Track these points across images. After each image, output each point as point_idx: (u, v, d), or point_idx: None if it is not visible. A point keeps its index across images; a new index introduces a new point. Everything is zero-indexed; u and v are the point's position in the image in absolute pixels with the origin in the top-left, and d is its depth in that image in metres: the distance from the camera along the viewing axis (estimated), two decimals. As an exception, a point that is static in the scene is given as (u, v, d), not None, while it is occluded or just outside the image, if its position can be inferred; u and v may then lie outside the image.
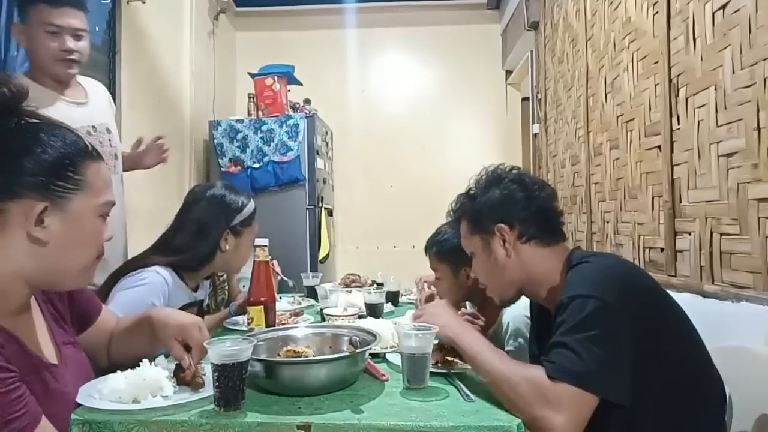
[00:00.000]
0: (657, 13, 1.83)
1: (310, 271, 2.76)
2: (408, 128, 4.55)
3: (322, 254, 3.71)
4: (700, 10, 1.56)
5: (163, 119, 3.28)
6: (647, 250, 1.94)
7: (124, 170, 2.06)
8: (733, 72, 1.39)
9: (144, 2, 2.87)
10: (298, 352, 1.10)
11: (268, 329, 1.30)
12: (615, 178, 2.25)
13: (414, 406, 0.94)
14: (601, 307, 0.94)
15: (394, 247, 4.52)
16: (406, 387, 1.03)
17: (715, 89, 1.48)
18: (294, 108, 3.84)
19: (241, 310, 1.74)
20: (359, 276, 2.33)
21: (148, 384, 0.95)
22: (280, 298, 1.95)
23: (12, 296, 0.87)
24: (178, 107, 3.51)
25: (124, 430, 0.87)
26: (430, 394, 1.00)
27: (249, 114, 3.79)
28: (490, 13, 4.54)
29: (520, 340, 1.52)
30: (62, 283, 0.93)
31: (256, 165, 3.62)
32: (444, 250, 1.69)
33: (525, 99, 4.39)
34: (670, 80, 1.74)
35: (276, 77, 3.71)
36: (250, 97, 3.81)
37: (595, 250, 2.43)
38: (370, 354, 1.13)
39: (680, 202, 1.69)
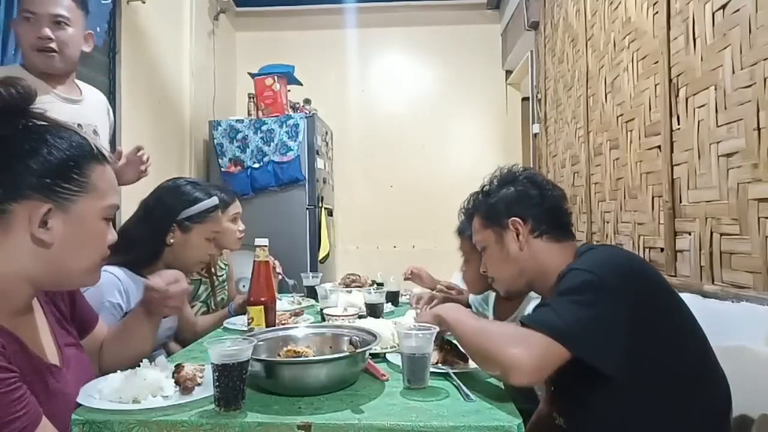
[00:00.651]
0: (657, 13, 1.83)
1: (310, 271, 2.76)
2: (408, 128, 4.56)
3: (322, 254, 3.72)
4: (700, 10, 1.56)
5: (163, 119, 3.29)
6: (647, 250, 1.94)
7: None
8: (733, 72, 1.39)
9: (144, 2, 2.88)
10: (298, 352, 1.10)
11: (268, 329, 1.30)
12: (615, 178, 2.25)
13: (414, 406, 0.94)
14: (595, 280, 0.97)
15: (394, 247, 4.52)
16: (406, 387, 1.03)
17: (715, 89, 1.48)
18: (294, 108, 3.84)
19: (241, 310, 1.74)
20: (359, 276, 2.33)
21: (148, 384, 0.95)
22: (281, 298, 1.95)
23: (14, 297, 0.87)
24: (178, 107, 3.51)
25: (124, 430, 0.87)
26: (430, 394, 1.00)
27: (249, 114, 3.79)
28: (490, 13, 4.54)
29: None
30: (65, 284, 0.94)
31: (256, 165, 3.62)
32: None
33: (525, 99, 4.39)
34: (670, 80, 1.74)
35: (276, 77, 3.71)
36: (250, 97, 3.82)
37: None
38: (370, 354, 1.13)
39: (680, 202, 1.69)
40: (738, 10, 1.37)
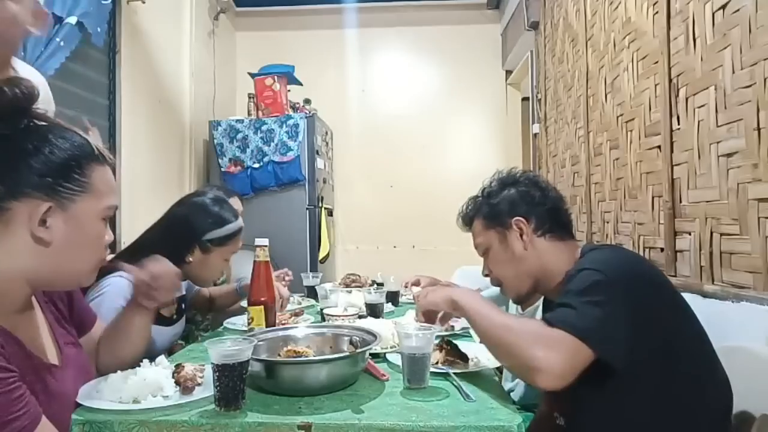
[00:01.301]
0: (657, 13, 1.83)
1: (310, 271, 2.76)
2: (408, 128, 4.56)
3: (322, 254, 3.72)
4: (700, 10, 1.56)
5: (163, 119, 3.29)
6: (647, 250, 1.93)
7: None
8: (733, 72, 1.39)
9: (144, 2, 2.88)
10: (299, 352, 1.10)
11: (268, 329, 1.30)
12: (615, 178, 2.25)
13: (414, 406, 0.94)
14: (605, 279, 0.97)
15: (394, 247, 4.52)
16: (406, 387, 1.03)
17: (715, 89, 1.48)
18: (294, 108, 3.84)
19: (245, 291, 1.73)
20: (359, 276, 2.33)
21: (148, 384, 0.95)
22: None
23: (13, 296, 0.87)
24: (177, 107, 3.51)
25: (124, 430, 0.87)
26: (430, 394, 1.00)
27: (249, 114, 3.79)
28: (490, 13, 4.54)
29: None
30: (63, 283, 0.94)
31: (256, 165, 3.62)
32: None
33: (525, 99, 4.39)
34: (670, 80, 1.74)
35: (276, 77, 3.71)
36: (250, 97, 3.82)
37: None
38: (370, 354, 1.13)
39: (680, 202, 1.69)
40: (738, 10, 1.37)
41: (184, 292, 1.72)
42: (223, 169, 3.65)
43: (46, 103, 1.82)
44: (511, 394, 1.63)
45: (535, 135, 3.66)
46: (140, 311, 1.16)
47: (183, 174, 3.56)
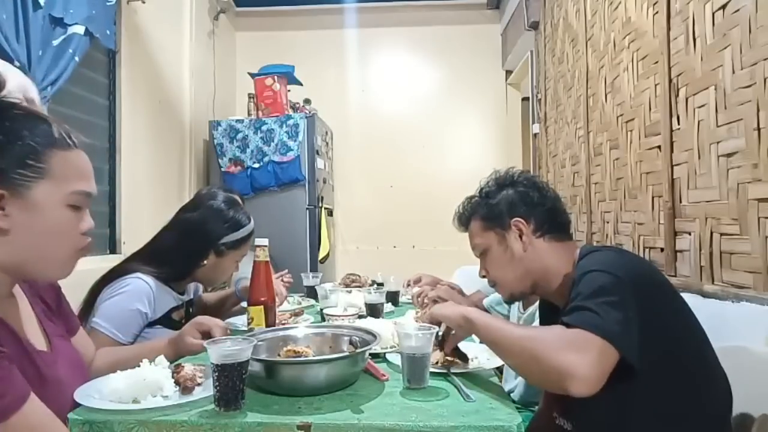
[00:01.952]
0: (657, 13, 1.83)
1: (310, 271, 2.76)
2: (408, 128, 4.56)
3: (322, 254, 3.72)
4: (700, 10, 1.56)
5: (163, 119, 3.29)
6: (647, 250, 1.93)
7: None
8: (733, 72, 1.39)
9: (144, 2, 2.88)
10: (298, 352, 1.10)
11: (268, 329, 1.30)
12: (615, 178, 2.25)
13: (414, 406, 0.93)
14: (614, 280, 0.96)
15: (394, 247, 4.52)
16: (406, 387, 1.03)
17: (715, 89, 1.48)
18: (294, 108, 3.84)
19: (244, 295, 1.74)
20: (359, 276, 2.33)
21: (148, 384, 0.95)
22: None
23: None
24: (178, 107, 3.51)
25: (124, 430, 0.87)
26: (430, 394, 1.00)
27: (249, 114, 3.79)
28: (490, 13, 4.54)
29: None
30: (36, 273, 0.91)
31: (256, 165, 3.62)
32: None
33: (525, 99, 4.39)
34: (670, 80, 1.74)
35: (276, 77, 3.71)
36: (250, 97, 3.81)
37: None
38: (370, 354, 1.13)
39: (680, 202, 1.69)
40: (738, 10, 1.37)
41: (192, 297, 1.73)
42: (223, 169, 3.65)
43: (22, 90, 1.81)
44: (512, 395, 1.63)
45: (535, 135, 3.66)
46: (173, 352, 1.23)
47: (183, 174, 3.56)
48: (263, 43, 4.59)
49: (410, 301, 2.13)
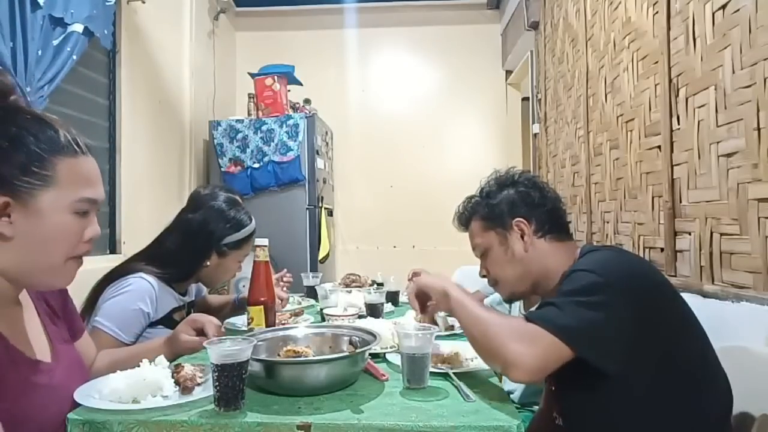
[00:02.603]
0: (657, 13, 1.83)
1: (310, 271, 2.76)
2: (408, 128, 4.56)
3: (322, 254, 3.72)
4: (700, 10, 1.56)
5: (163, 119, 3.29)
6: (647, 250, 1.93)
7: None
8: (733, 72, 1.39)
9: (144, 2, 2.88)
10: (298, 352, 1.10)
11: (268, 329, 1.30)
12: (615, 178, 2.25)
13: (414, 406, 0.93)
14: (600, 281, 0.96)
15: (394, 247, 4.52)
16: (406, 387, 1.03)
17: (715, 89, 1.48)
18: (294, 108, 3.84)
19: (243, 303, 1.74)
20: (359, 276, 2.33)
21: (148, 384, 0.95)
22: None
23: None
24: (178, 107, 3.51)
25: (124, 430, 0.87)
26: (430, 394, 1.00)
27: (249, 114, 3.79)
28: (490, 13, 4.54)
29: None
30: (34, 281, 0.90)
31: (256, 165, 3.62)
32: None
33: (525, 99, 4.39)
34: (670, 80, 1.74)
35: (276, 77, 3.71)
36: (250, 97, 3.81)
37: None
38: (370, 354, 1.13)
39: (680, 202, 1.69)
40: (738, 10, 1.37)
41: (194, 298, 1.73)
42: (223, 169, 3.65)
43: None
44: (512, 395, 1.63)
45: (535, 135, 3.66)
46: (169, 352, 1.23)
47: (183, 174, 3.56)
48: (263, 43, 4.59)
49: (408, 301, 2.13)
